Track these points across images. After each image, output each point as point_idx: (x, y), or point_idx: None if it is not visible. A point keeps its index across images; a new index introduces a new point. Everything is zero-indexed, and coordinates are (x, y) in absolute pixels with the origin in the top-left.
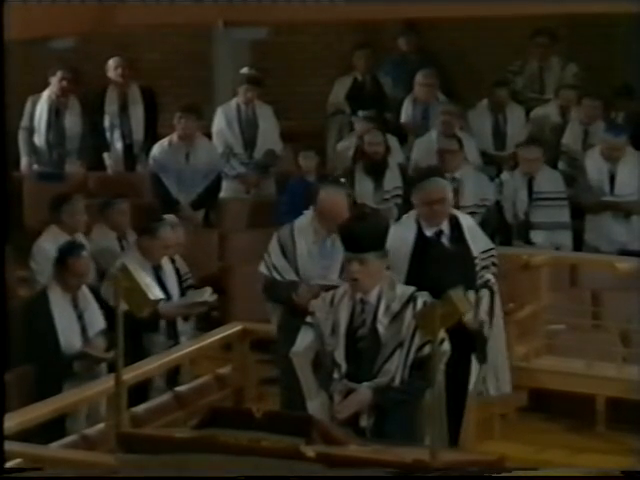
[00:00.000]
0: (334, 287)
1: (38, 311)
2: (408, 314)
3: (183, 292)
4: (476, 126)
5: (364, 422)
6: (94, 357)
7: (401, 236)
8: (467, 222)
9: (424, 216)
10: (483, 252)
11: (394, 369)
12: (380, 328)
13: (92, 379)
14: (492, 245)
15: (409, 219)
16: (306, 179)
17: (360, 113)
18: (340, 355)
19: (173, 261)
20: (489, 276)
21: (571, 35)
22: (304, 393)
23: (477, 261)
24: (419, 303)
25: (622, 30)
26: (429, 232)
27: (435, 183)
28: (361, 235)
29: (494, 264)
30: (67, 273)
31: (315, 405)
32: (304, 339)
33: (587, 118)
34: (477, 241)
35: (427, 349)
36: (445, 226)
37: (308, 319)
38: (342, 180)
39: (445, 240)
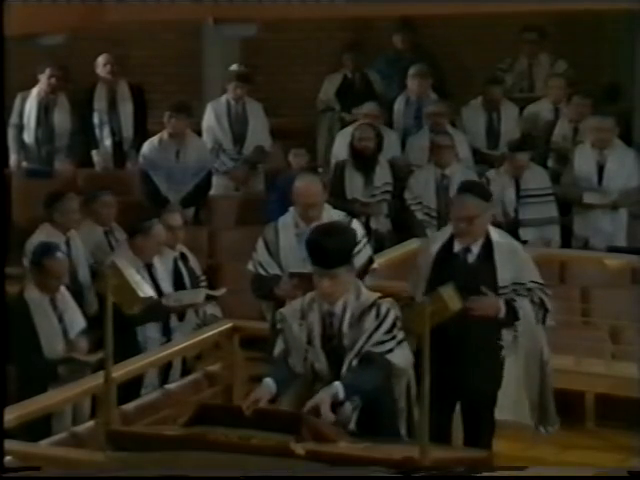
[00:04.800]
0: (310, 275)
1: (17, 314)
2: (369, 319)
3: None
4: (470, 124)
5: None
6: (80, 361)
7: (431, 244)
8: (505, 247)
9: (454, 231)
10: (515, 283)
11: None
12: (344, 338)
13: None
14: (535, 279)
15: (447, 229)
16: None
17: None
18: (322, 366)
19: (185, 260)
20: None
21: (560, 32)
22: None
23: (505, 290)
24: (382, 309)
25: (611, 27)
26: (457, 247)
27: (468, 199)
28: (331, 252)
29: (538, 302)
30: (44, 275)
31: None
32: (280, 345)
33: (577, 115)
34: (510, 270)
35: (385, 347)
36: (476, 245)
37: (278, 325)
38: (319, 170)
39: (470, 259)
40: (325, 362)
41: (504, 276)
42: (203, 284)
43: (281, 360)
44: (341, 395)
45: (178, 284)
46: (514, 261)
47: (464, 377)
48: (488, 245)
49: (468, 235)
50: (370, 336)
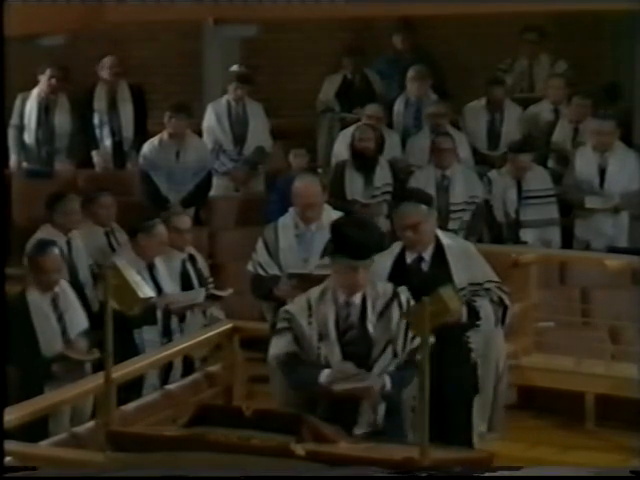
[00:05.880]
0: (309, 275)
1: (15, 314)
2: (395, 310)
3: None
4: (471, 124)
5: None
6: (73, 359)
7: (383, 260)
8: (456, 249)
9: (403, 242)
10: (472, 284)
11: (385, 365)
12: (370, 327)
13: (73, 381)
14: (492, 278)
15: (397, 244)
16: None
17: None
18: (337, 359)
19: (194, 261)
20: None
21: (560, 32)
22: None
23: (463, 292)
24: (403, 299)
25: (611, 27)
26: (409, 258)
27: (409, 208)
28: (368, 243)
29: (497, 300)
30: (39, 271)
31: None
32: (285, 344)
33: (577, 116)
34: (465, 271)
35: (417, 340)
36: (427, 253)
37: (283, 324)
38: (319, 170)
39: (425, 267)
40: (340, 355)
41: (460, 278)
42: (211, 285)
43: (293, 363)
44: (388, 386)
45: (186, 286)
46: (467, 262)
47: (438, 381)
48: (439, 250)
49: (418, 244)
50: (406, 333)
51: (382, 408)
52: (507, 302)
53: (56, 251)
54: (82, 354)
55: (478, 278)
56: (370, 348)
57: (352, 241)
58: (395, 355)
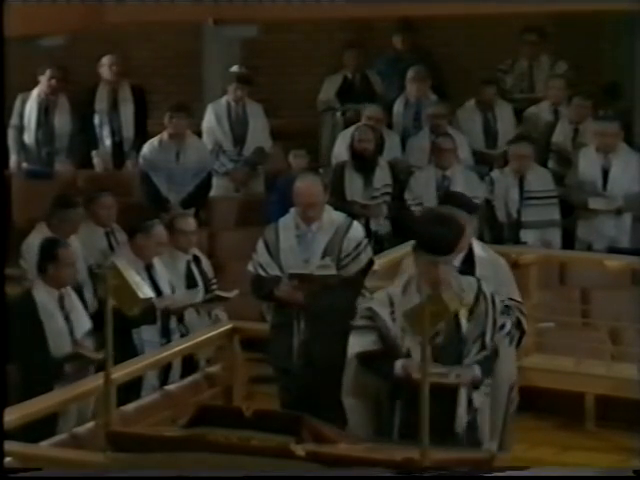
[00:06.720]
0: (310, 276)
1: (24, 313)
2: (482, 304)
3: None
4: (466, 125)
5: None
6: (86, 358)
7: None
8: (487, 262)
9: None
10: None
11: (472, 357)
12: (463, 322)
13: (83, 380)
14: (514, 297)
15: None
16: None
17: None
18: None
19: (198, 262)
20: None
21: (560, 33)
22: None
23: None
24: (488, 293)
25: (611, 27)
26: None
27: (451, 212)
28: (448, 239)
29: (514, 321)
30: (57, 265)
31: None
32: (367, 342)
33: (577, 117)
34: (490, 285)
35: (506, 328)
36: (458, 259)
37: (364, 322)
38: (320, 170)
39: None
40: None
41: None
42: (214, 286)
43: (378, 359)
44: (479, 376)
45: (191, 287)
46: (495, 276)
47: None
48: (470, 259)
49: None
50: (494, 325)
51: (480, 399)
52: (524, 326)
53: (70, 246)
54: (93, 352)
55: (501, 294)
56: (461, 342)
57: (432, 237)
58: (483, 347)
